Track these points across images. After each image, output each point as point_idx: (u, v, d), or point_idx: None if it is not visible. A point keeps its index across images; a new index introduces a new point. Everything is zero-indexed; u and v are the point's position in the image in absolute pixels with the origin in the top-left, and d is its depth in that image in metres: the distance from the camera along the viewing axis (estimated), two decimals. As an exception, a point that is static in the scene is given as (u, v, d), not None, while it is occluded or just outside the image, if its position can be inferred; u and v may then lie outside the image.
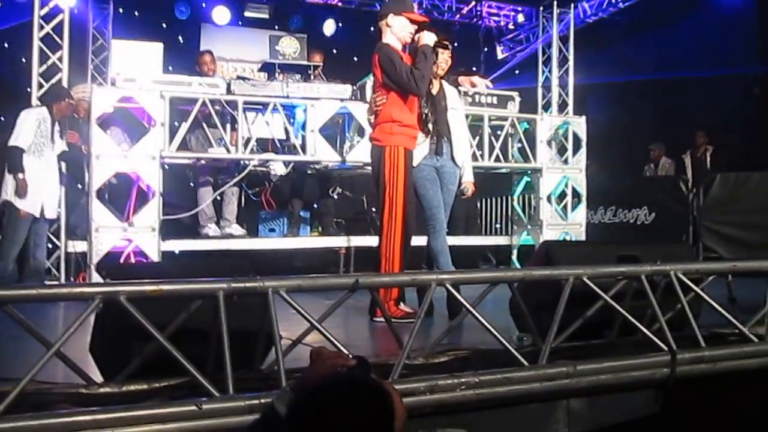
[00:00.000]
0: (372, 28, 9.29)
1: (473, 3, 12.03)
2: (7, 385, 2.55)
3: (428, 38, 4.96)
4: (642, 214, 9.57)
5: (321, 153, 7.19)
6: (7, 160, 6.86)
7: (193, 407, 2.44)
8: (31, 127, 6.88)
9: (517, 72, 12.55)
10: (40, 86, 7.53)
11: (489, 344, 3.39)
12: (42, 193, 6.95)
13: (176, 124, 6.93)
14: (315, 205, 8.62)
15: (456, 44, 5.59)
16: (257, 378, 2.85)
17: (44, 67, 7.60)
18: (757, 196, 8.64)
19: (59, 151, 7.12)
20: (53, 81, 7.54)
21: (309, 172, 8.15)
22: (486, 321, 3.20)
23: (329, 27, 11.71)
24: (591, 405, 3.31)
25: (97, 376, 2.85)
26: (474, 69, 10.85)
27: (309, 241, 8.25)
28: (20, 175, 6.77)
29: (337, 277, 3.61)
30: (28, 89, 7.60)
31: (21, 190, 6.76)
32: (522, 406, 3.12)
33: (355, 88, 7.48)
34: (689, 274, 3.82)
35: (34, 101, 7.42)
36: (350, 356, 2.06)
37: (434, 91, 5.35)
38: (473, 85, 5.83)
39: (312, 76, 7.73)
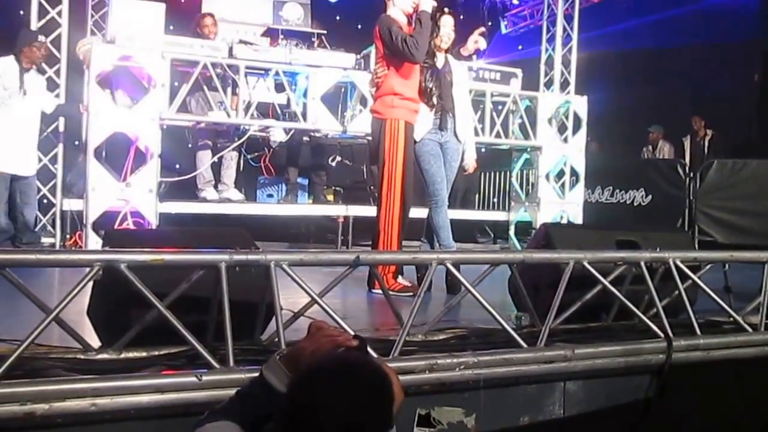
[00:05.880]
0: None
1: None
2: (3, 346, 2.55)
3: (426, 4, 4.90)
4: (639, 195, 9.62)
5: (321, 121, 7.16)
6: None
7: (193, 378, 2.43)
8: None
9: (520, 47, 12.45)
10: (39, 41, 7.39)
11: (487, 322, 3.40)
12: (14, 151, 6.51)
13: (176, 84, 6.85)
14: (312, 174, 8.59)
15: (461, 17, 5.53)
16: (257, 349, 2.84)
17: (43, 21, 7.48)
18: (752, 183, 8.75)
19: (54, 105, 6.91)
20: (53, 36, 7.42)
21: (305, 139, 8.10)
22: (485, 300, 3.20)
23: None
24: (587, 388, 3.34)
25: (94, 340, 2.85)
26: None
27: (307, 208, 8.25)
28: None
29: (339, 253, 3.61)
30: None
31: None
32: (519, 386, 3.13)
33: (358, 57, 7.41)
34: (687, 262, 3.83)
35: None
36: (350, 335, 2.05)
37: (440, 64, 5.29)
38: (476, 43, 5.79)
39: (315, 44, 7.65)
